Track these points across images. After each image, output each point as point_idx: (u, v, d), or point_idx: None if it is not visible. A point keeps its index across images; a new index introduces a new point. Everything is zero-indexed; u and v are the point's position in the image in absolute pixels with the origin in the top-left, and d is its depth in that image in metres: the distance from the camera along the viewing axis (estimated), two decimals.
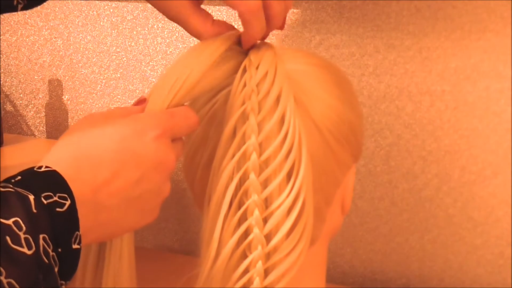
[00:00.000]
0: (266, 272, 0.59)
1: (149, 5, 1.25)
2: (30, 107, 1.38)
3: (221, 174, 0.59)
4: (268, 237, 0.58)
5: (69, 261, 0.50)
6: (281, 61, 0.62)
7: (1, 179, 0.50)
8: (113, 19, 1.28)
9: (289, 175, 0.59)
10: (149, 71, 1.27)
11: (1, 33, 1.36)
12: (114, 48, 1.29)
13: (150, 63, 1.27)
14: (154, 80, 1.28)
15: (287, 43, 1.17)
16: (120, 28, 1.28)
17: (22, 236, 0.46)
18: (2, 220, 0.45)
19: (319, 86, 0.64)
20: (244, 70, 0.61)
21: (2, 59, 1.37)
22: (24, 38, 1.35)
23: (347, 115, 0.65)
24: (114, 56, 1.29)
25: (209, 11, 0.64)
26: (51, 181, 0.50)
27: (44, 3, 0.71)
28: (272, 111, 0.59)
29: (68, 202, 0.49)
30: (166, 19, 0.63)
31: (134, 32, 1.27)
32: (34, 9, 1.32)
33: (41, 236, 0.47)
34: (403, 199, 1.14)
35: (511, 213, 1.09)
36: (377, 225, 1.17)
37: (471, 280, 1.13)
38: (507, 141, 1.07)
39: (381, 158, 1.14)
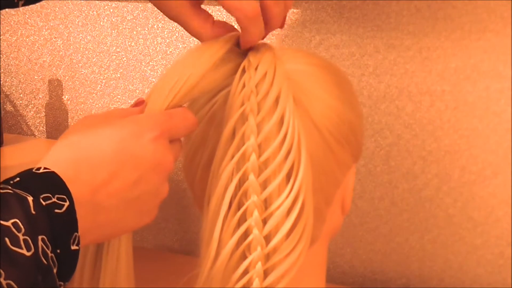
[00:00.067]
0: (266, 273, 0.59)
1: (149, 5, 1.25)
2: (30, 107, 1.38)
3: (221, 175, 0.59)
4: (267, 238, 0.58)
5: (68, 262, 0.50)
6: (280, 62, 0.62)
7: (1, 179, 0.50)
8: (113, 19, 1.28)
9: (288, 176, 0.59)
10: (149, 71, 1.27)
11: (1, 33, 1.36)
12: (114, 48, 1.29)
13: (150, 63, 1.27)
14: (154, 80, 1.28)
15: (287, 43, 1.16)
16: (120, 28, 1.28)
17: (21, 237, 0.46)
18: (1, 222, 0.45)
19: (319, 86, 0.64)
20: (243, 71, 0.61)
21: (2, 59, 1.37)
22: (24, 38, 1.35)
23: (347, 115, 0.65)
24: (114, 56, 1.29)
25: (209, 11, 0.64)
26: (50, 182, 0.50)
27: (44, 3, 0.71)
28: (271, 112, 0.59)
29: (66, 203, 0.49)
30: (166, 19, 0.63)
31: (134, 32, 1.27)
32: (34, 9, 1.32)
33: (40, 237, 0.47)
34: (403, 199, 1.14)
35: (511, 213, 1.09)
36: (377, 225, 1.17)
37: (471, 280, 1.13)
38: (507, 141, 1.07)
39: (381, 158, 1.14)
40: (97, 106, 1.33)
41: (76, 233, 0.50)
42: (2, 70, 1.37)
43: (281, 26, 0.64)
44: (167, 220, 1.31)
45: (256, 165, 0.58)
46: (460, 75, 1.08)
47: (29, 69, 1.36)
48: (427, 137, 1.11)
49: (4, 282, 0.44)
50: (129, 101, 1.30)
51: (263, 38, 0.64)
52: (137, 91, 1.29)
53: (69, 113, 1.35)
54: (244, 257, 0.59)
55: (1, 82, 1.38)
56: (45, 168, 0.51)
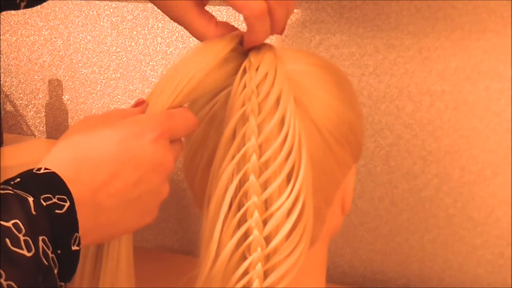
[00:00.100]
0: (266, 274, 0.59)
1: (149, 5, 1.25)
2: (30, 107, 1.38)
3: (221, 175, 0.59)
4: (267, 239, 0.58)
5: (69, 262, 0.50)
6: (281, 62, 0.62)
7: (1, 179, 0.50)
8: (113, 19, 1.28)
9: (289, 177, 0.59)
10: (149, 71, 1.27)
11: (1, 33, 1.36)
12: (114, 48, 1.29)
13: (150, 63, 1.27)
14: (154, 80, 1.28)
15: (287, 43, 1.16)
16: (120, 28, 1.28)
17: (22, 238, 0.46)
18: (2, 222, 0.45)
19: (319, 86, 0.64)
20: (244, 71, 0.61)
21: (2, 59, 1.37)
22: (24, 38, 1.35)
23: (347, 115, 0.65)
24: (114, 56, 1.29)
25: (209, 11, 0.64)
26: (50, 183, 0.50)
27: (44, 3, 0.71)
28: (272, 112, 0.59)
29: (67, 204, 0.49)
30: (166, 19, 0.63)
31: (134, 32, 1.27)
32: (34, 9, 1.32)
33: (40, 238, 0.47)
34: (403, 199, 1.14)
35: (511, 213, 1.09)
36: (377, 225, 1.17)
37: (471, 280, 1.13)
38: (507, 141, 1.07)
39: (381, 158, 1.14)
40: (97, 106, 1.33)
41: (76, 234, 0.50)
42: (2, 70, 1.37)
43: (281, 32, 0.64)
44: (167, 220, 1.31)
45: (256, 166, 0.58)
46: (460, 75, 1.08)
47: (29, 69, 1.36)
48: (427, 137, 1.11)
49: (4, 283, 0.43)
50: (129, 101, 1.30)
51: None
52: (137, 91, 1.29)
53: (69, 113, 1.35)
54: (244, 257, 0.59)
55: (1, 82, 1.38)
56: (45, 169, 0.51)
